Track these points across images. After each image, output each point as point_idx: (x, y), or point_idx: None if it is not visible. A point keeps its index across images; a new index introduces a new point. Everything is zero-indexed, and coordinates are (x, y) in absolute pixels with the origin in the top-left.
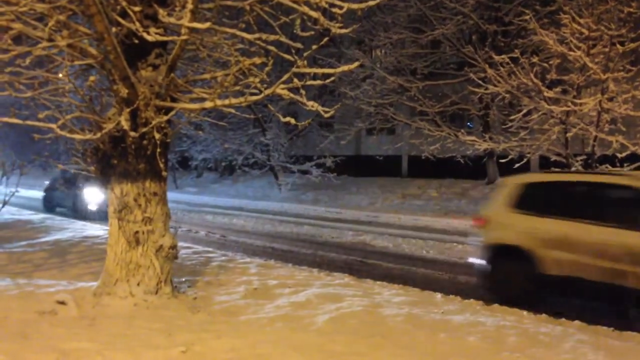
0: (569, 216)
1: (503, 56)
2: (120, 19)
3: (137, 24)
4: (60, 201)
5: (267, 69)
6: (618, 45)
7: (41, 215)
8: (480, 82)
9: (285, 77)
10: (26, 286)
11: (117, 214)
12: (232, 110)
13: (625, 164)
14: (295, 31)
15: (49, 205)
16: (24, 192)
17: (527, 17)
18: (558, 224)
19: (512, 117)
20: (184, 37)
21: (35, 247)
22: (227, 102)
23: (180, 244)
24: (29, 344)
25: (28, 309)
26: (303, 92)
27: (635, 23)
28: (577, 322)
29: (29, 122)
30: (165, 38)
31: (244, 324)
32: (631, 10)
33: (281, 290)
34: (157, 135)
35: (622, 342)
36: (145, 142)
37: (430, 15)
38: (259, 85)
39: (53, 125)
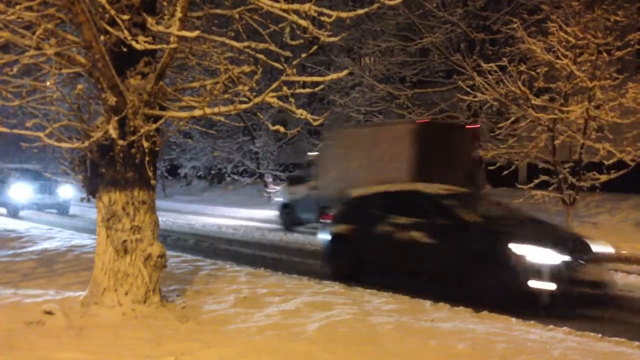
0: None
1: (491, 64)
2: (108, 27)
3: (126, 32)
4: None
5: (256, 77)
6: (605, 54)
7: (27, 225)
8: (468, 90)
9: (274, 85)
10: (13, 296)
11: (105, 222)
12: (222, 119)
13: (612, 171)
14: (284, 39)
15: (349, 267)
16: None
17: (514, 26)
18: None
19: (500, 125)
20: (173, 46)
21: (23, 256)
22: (216, 110)
23: (169, 252)
24: (17, 355)
25: (15, 319)
26: (292, 100)
27: (621, 31)
28: (565, 328)
29: (16, 131)
30: (154, 46)
31: (233, 333)
32: (617, 18)
33: (271, 298)
34: (145, 144)
35: (610, 349)
36: (133, 150)
37: (419, 23)
38: (248, 93)
39: (40, 134)
